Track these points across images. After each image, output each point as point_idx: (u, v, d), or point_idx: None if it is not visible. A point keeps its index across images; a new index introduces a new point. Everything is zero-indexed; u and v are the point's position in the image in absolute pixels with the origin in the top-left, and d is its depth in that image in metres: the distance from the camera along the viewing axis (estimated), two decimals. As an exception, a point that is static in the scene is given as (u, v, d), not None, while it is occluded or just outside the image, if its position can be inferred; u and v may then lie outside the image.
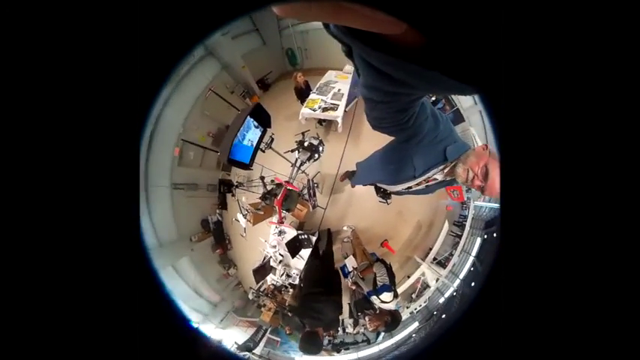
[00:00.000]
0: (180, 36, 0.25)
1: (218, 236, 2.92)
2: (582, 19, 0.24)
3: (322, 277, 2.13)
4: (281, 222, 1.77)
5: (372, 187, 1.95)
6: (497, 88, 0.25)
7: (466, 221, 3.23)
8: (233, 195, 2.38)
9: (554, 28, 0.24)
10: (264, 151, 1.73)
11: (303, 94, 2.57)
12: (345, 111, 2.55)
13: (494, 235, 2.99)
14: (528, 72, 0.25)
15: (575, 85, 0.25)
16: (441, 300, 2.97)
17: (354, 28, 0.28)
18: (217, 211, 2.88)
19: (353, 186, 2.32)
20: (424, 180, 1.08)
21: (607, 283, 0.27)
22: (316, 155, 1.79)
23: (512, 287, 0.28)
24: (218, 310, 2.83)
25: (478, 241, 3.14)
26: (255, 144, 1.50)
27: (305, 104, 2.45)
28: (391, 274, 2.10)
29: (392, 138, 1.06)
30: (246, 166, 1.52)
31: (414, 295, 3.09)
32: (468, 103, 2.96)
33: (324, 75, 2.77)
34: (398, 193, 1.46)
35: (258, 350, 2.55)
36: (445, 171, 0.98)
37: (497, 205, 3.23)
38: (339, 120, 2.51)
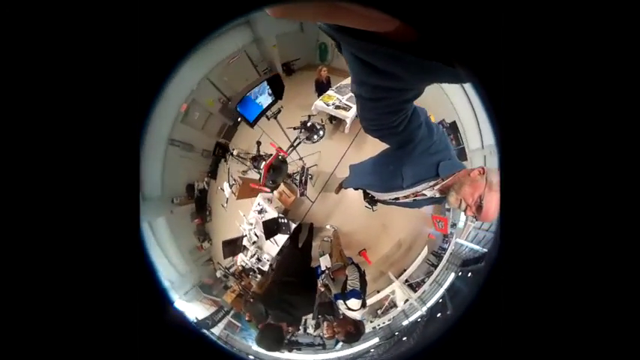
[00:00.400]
0: (173, 39, 0.25)
1: (200, 205, 2.84)
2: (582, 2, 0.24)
3: (300, 269, 2.05)
4: (263, 185, 1.72)
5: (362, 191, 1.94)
6: (494, 75, 0.25)
7: (444, 254, 3.27)
8: (226, 161, 2.35)
9: (551, 16, 0.24)
10: (268, 119, 1.75)
11: (322, 88, 2.62)
12: (356, 116, 2.61)
13: (469, 274, 3.04)
14: (526, 59, 0.25)
15: (576, 72, 0.25)
16: (405, 322, 2.94)
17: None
18: (205, 179, 2.82)
19: (345, 188, 2.33)
20: (412, 193, 1.04)
21: (607, 295, 0.26)
22: (315, 137, 1.81)
23: (512, 295, 0.27)
24: (184, 282, 2.72)
25: (452, 276, 3.16)
26: (264, 107, 1.54)
27: (321, 97, 2.49)
28: (363, 282, 2.01)
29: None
30: (249, 124, 1.55)
31: (379, 311, 3.05)
32: (475, 145, 3.04)
33: (347, 78, 2.85)
34: (385, 202, 1.43)
35: (216, 330, 2.45)
36: (435, 188, 0.94)
37: (478, 247, 3.29)
38: (348, 121, 2.56)
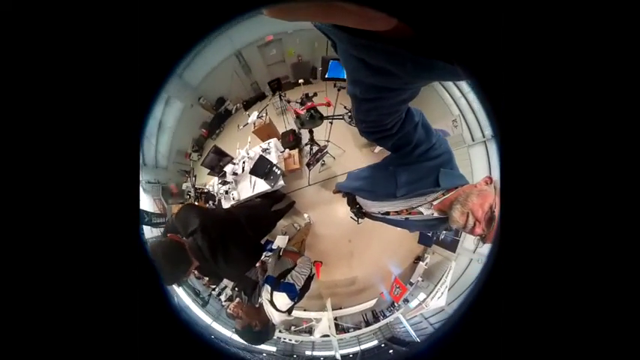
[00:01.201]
0: (169, 41, 0.25)
1: (217, 120, 2.84)
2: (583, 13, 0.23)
3: (262, 227, 1.80)
4: (299, 111, 1.80)
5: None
6: (492, 72, 0.25)
7: (381, 320, 3.12)
8: (273, 95, 2.40)
9: (550, 17, 0.24)
10: (334, 86, 1.90)
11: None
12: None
13: (390, 352, 2.86)
14: (525, 57, 0.25)
15: (576, 70, 0.24)
16: (308, 352, 2.68)
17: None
18: (238, 104, 2.86)
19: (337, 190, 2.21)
20: (405, 209, 0.90)
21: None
22: (354, 122, 1.93)
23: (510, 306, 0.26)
24: (155, 172, 2.62)
25: (374, 342, 3.00)
26: (341, 76, 1.75)
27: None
28: (306, 285, 1.59)
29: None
30: (323, 77, 1.70)
31: (293, 328, 2.79)
32: (469, 245, 3.06)
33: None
34: (373, 216, 1.24)
35: (147, 232, 2.26)
36: (434, 204, 0.79)
37: (413, 333, 3.13)
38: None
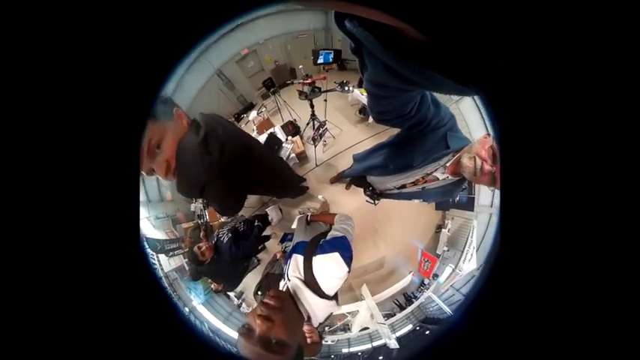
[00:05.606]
0: (190, 26, 0.26)
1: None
2: (581, 19, 0.24)
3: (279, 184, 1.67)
4: (303, 84, 2.09)
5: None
6: (497, 88, 0.26)
7: (413, 302, 2.95)
8: (269, 94, 2.56)
9: (553, 29, 0.24)
10: (323, 68, 2.25)
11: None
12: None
13: (426, 332, 2.68)
14: (528, 72, 0.25)
15: (576, 86, 0.25)
16: (345, 350, 2.48)
17: (368, 25, 0.30)
18: (230, 119, 2.99)
19: (346, 177, 2.18)
20: (422, 177, 0.96)
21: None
22: (345, 88, 2.24)
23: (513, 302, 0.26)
24: (162, 206, 2.68)
25: (408, 327, 2.83)
26: (329, 61, 2.02)
27: (360, 89, 2.74)
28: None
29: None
30: (314, 62, 1.96)
31: (327, 329, 2.61)
32: (485, 201, 3.03)
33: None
34: (388, 193, 1.20)
35: (165, 264, 2.26)
36: (447, 165, 0.87)
37: (447, 309, 2.94)
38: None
